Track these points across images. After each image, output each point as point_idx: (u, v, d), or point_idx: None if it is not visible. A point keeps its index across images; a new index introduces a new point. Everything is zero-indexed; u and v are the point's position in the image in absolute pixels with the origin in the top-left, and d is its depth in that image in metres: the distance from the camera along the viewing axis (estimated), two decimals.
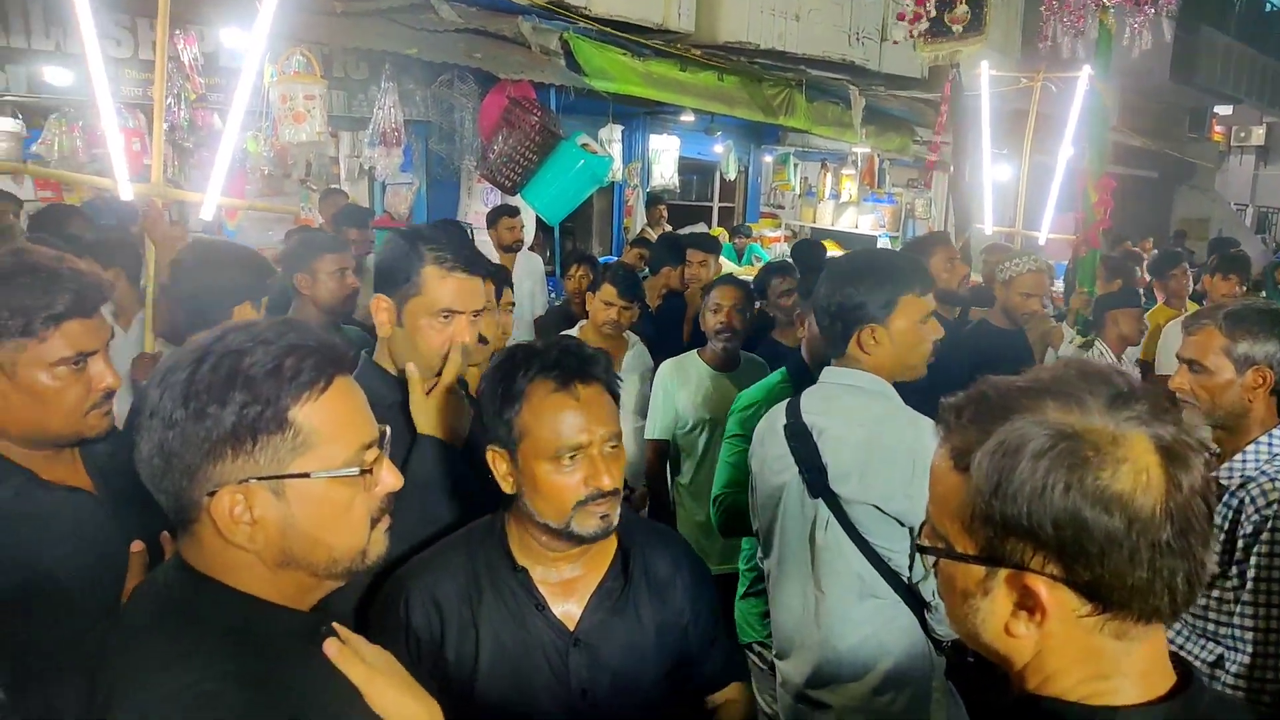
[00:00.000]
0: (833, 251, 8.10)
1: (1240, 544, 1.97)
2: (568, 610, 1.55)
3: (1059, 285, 7.16)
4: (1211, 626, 2.02)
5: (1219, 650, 2.00)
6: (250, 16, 3.34)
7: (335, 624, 1.14)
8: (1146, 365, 5.26)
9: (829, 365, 2.16)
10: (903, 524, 2.00)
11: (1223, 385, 2.05)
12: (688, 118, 9.22)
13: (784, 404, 2.21)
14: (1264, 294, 7.71)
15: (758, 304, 4.13)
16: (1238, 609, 1.96)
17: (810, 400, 2.15)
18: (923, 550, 0.96)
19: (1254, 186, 23.29)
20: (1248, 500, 1.98)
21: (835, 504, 2.05)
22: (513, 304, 3.39)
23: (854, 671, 2.06)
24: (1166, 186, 17.72)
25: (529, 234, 7.20)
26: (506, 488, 1.52)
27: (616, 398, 1.55)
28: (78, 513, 1.58)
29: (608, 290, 3.73)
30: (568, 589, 1.56)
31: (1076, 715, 0.86)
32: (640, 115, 9.23)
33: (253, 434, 0.99)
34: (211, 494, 1.00)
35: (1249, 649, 1.93)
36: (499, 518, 1.59)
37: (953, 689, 2.12)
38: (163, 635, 1.00)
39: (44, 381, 1.50)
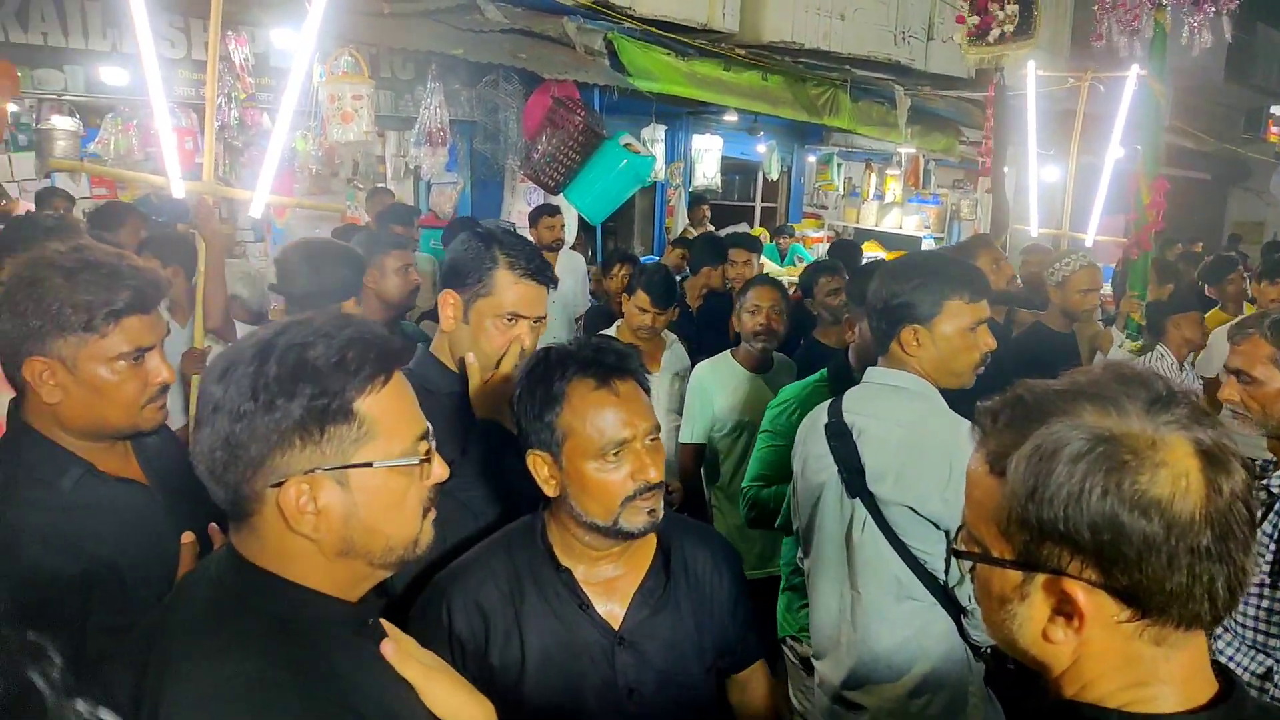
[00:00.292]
0: (875, 253, 8.03)
1: None
2: (611, 610, 1.56)
3: (1107, 289, 7.04)
4: (1260, 638, 1.98)
5: (1269, 663, 1.95)
6: (300, 17, 3.40)
7: (383, 621, 1.17)
8: (1210, 383, 5.15)
9: (873, 365, 2.15)
10: (939, 527, 1.99)
11: (1273, 394, 2.01)
12: (731, 117, 9.20)
13: (827, 403, 2.20)
14: None
15: (805, 301, 4.11)
16: None
17: (852, 400, 2.14)
18: (959, 555, 0.96)
19: None
20: None
21: (872, 504, 2.04)
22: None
23: (890, 674, 2.05)
24: (1219, 188, 17.31)
25: (571, 233, 7.23)
26: (549, 490, 1.51)
27: (648, 392, 1.56)
28: (132, 504, 1.63)
29: (641, 297, 3.71)
30: (610, 588, 1.57)
31: None
32: (683, 115, 9.23)
33: (320, 425, 1.02)
34: (276, 485, 1.02)
35: None
36: (538, 519, 1.59)
37: (992, 695, 2.10)
38: (215, 624, 1.02)
39: (103, 376, 1.55)
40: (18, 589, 1.41)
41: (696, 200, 9.50)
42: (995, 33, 5.92)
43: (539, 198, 7.25)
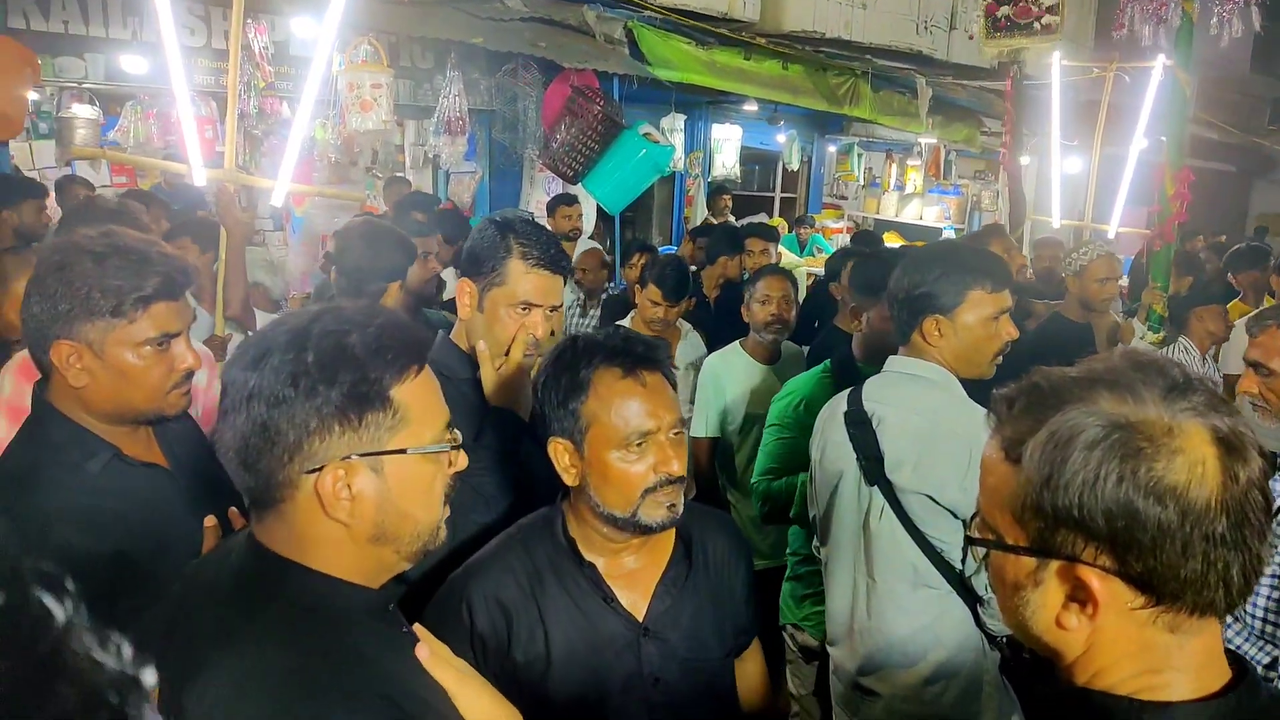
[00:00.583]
0: (894, 244, 7.99)
1: None
2: (634, 601, 1.56)
3: (1124, 281, 6.98)
4: (1270, 629, 1.97)
5: (1276, 653, 1.94)
6: (319, 6, 3.40)
7: (416, 626, 1.18)
8: (1231, 379, 5.11)
9: (894, 355, 2.15)
10: (956, 515, 1.99)
11: None
12: (751, 107, 9.16)
13: (847, 391, 2.20)
14: None
15: (831, 285, 4.08)
16: None
17: (872, 388, 2.14)
18: (972, 542, 0.95)
19: None
20: None
21: (890, 493, 2.05)
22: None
23: (905, 661, 2.06)
24: (1243, 180, 17.10)
25: (589, 223, 7.23)
26: (569, 479, 1.51)
27: (674, 386, 1.56)
28: (157, 488, 1.65)
29: (653, 290, 3.70)
30: (632, 580, 1.57)
31: (1127, 710, 0.85)
32: (703, 105, 9.20)
33: (360, 411, 1.03)
34: (311, 471, 1.03)
35: None
36: (557, 514, 1.59)
37: (1007, 684, 2.09)
38: (243, 614, 1.02)
39: (130, 361, 1.56)
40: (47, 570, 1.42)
41: (717, 190, 9.47)
42: (1035, 24, 5.86)
43: (558, 187, 7.26)
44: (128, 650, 0.40)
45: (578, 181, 6.81)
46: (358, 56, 5.76)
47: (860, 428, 2.10)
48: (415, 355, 1.09)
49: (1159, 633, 0.85)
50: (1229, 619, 1.99)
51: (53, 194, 5.07)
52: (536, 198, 7.63)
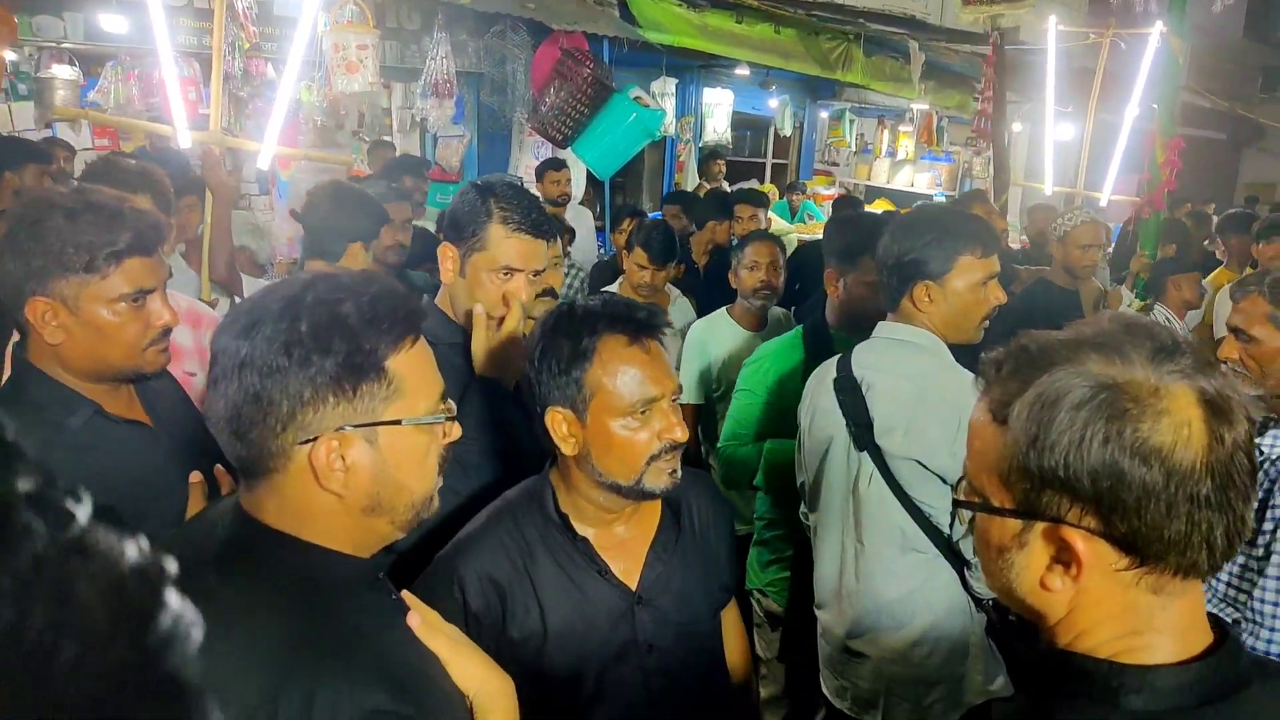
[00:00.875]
0: (884, 210, 7.96)
1: (1269, 516, 1.92)
2: (626, 569, 1.56)
3: (1110, 248, 7.00)
4: (1232, 593, 2.00)
5: (1235, 616, 1.97)
6: None
7: (406, 594, 1.18)
8: (1206, 343, 5.13)
9: (882, 320, 2.15)
10: (945, 481, 2.00)
11: (1271, 353, 1.99)
12: (742, 71, 9.08)
13: (836, 358, 2.20)
14: None
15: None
16: (1259, 581, 1.92)
17: (861, 354, 2.14)
18: (959, 504, 0.96)
19: None
20: None
21: (879, 458, 2.05)
22: (558, 258, 3.28)
23: (893, 624, 2.08)
24: (1233, 148, 17.10)
25: (579, 189, 7.17)
26: (568, 449, 1.49)
27: (668, 352, 1.55)
28: (139, 445, 1.65)
29: (639, 254, 3.66)
30: (624, 549, 1.57)
31: (1107, 673, 0.85)
32: (694, 68, 9.11)
33: (354, 382, 1.02)
34: (304, 442, 1.01)
35: (1267, 628, 1.89)
36: (545, 487, 1.57)
37: (993, 646, 2.12)
38: (235, 587, 1.00)
39: (104, 317, 1.56)
40: None
41: (711, 155, 9.39)
42: None
43: (547, 151, 7.19)
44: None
45: (567, 146, 6.74)
46: (343, 17, 5.66)
47: (850, 394, 2.10)
48: (410, 325, 1.08)
49: (1142, 594, 0.85)
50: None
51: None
52: (526, 162, 7.55)
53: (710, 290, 4.50)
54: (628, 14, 6.74)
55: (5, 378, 2.03)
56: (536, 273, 1.90)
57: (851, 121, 11.62)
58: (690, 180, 9.34)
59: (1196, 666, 0.85)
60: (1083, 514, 0.84)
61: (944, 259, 2.02)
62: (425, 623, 1.13)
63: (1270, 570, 1.90)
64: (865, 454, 2.07)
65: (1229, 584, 2.00)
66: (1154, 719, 0.83)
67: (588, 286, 5.09)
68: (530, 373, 1.51)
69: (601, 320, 1.46)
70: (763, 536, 2.84)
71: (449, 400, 1.14)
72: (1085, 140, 6.16)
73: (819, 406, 2.19)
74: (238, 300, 3.16)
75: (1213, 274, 5.35)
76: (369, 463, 1.04)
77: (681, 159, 9.59)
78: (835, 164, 12.38)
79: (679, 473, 1.51)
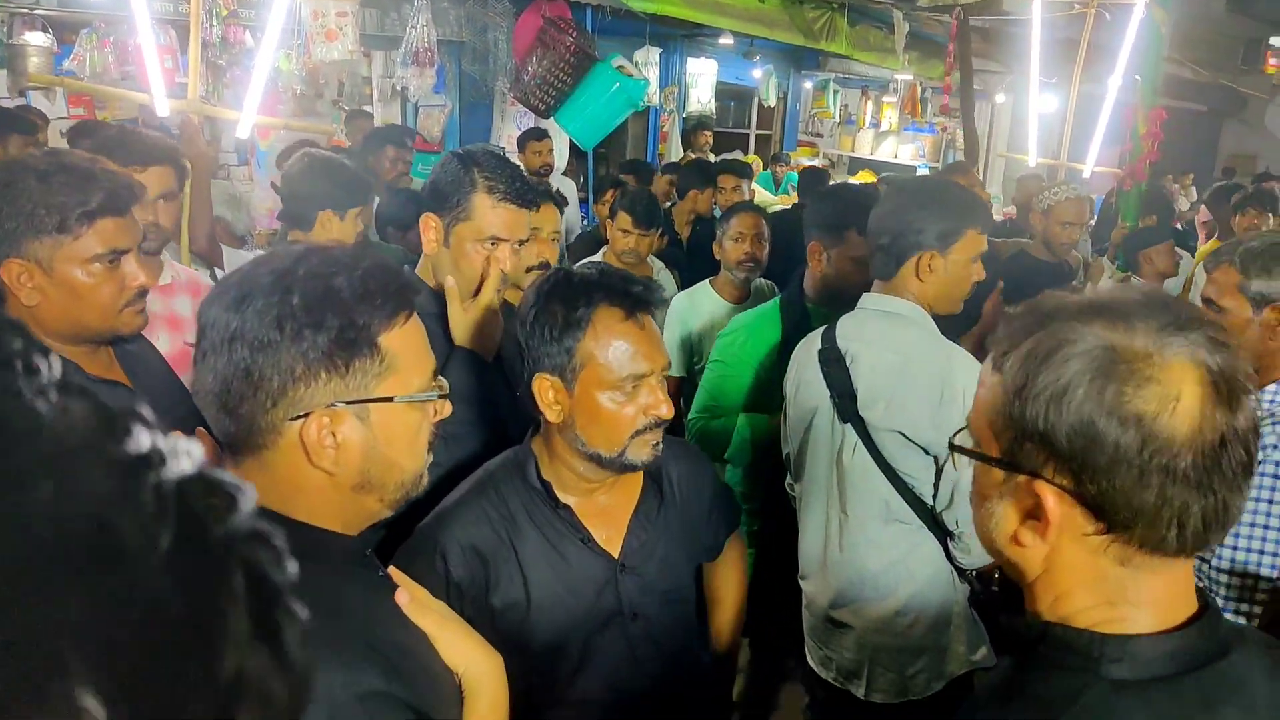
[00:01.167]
0: (865, 181, 7.95)
1: None
2: (609, 538, 1.56)
3: (1093, 221, 7.04)
4: (1196, 562, 2.02)
5: (1200, 585, 2.00)
6: None
7: (393, 570, 1.18)
8: None
9: (868, 292, 2.15)
10: (928, 452, 2.01)
11: (1240, 324, 2.00)
12: (726, 41, 9.01)
13: (821, 329, 2.21)
14: None
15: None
16: (1217, 549, 1.93)
17: (846, 326, 2.15)
18: (954, 448, 0.96)
19: None
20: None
21: (863, 430, 2.06)
22: (558, 233, 3.09)
23: (876, 594, 2.10)
24: (1214, 121, 17.13)
25: (562, 159, 7.12)
26: (553, 416, 1.49)
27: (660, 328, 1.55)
28: (118, 405, 1.63)
29: (623, 218, 3.63)
30: (606, 517, 1.57)
31: (1089, 642, 0.86)
32: (678, 38, 9.03)
33: (347, 358, 1.01)
34: (296, 418, 1.00)
35: (1221, 596, 1.93)
36: (527, 457, 1.57)
37: (976, 616, 2.15)
38: None
39: (79, 277, 1.57)
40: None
41: (697, 126, 9.32)
42: None
43: (529, 121, 7.13)
44: None
45: (550, 115, 6.69)
46: None
47: (834, 365, 2.11)
48: (404, 300, 1.07)
49: (1110, 564, 0.85)
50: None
51: None
52: (508, 132, 7.49)
53: (695, 262, 4.48)
54: None
55: None
56: (521, 242, 1.90)
57: (836, 92, 11.58)
58: (674, 151, 9.29)
59: (1176, 636, 0.85)
60: (1057, 470, 0.84)
61: (952, 230, 2.03)
62: (414, 600, 1.13)
63: (1226, 539, 1.92)
64: (849, 425, 2.08)
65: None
66: (1134, 688, 0.84)
67: (568, 258, 5.07)
68: (521, 335, 1.50)
69: (599, 291, 1.46)
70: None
71: (440, 378, 1.14)
72: (1069, 112, 6.15)
73: (804, 378, 2.20)
74: (219, 272, 3.12)
75: (1203, 247, 5.38)
76: (360, 440, 1.03)
77: (665, 129, 9.53)
78: (819, 135, 12.35)
79: (661, 446, 1.52)
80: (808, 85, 11.66)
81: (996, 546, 0.93)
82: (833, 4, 8.58)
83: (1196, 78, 13.08)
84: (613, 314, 1.45)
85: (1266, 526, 1.90)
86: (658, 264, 3.95)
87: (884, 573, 2.09)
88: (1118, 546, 0.84)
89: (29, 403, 0.35)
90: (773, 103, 10.98)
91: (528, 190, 1.90)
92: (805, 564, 2.27)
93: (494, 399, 1.81)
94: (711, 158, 8.68)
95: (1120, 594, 0.86)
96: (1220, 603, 1.90)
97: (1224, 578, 1.93)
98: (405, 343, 1.06)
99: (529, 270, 2.24)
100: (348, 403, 1.02)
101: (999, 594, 2.10)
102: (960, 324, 2.27)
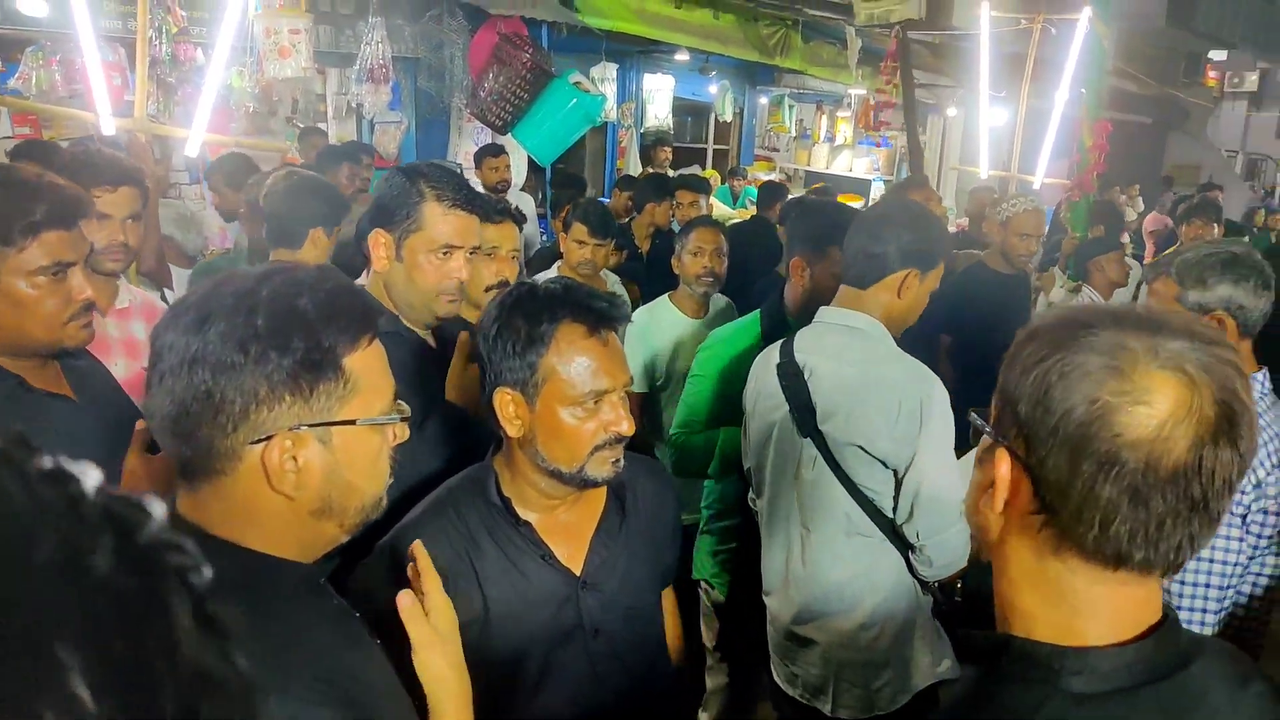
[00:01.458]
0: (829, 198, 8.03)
1: None
2: (570, 554, 1.55)
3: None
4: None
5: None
6: None
7: (417, 544, 1.22)
8: None
9: (826, 306, 2.16)
10: (887, 465, 2.02)
11: None
12: (683, 57, 9.07)
13: (780, 343, 2.21)
14: (1246, 238, 7.69)
15: (780, 230, 4.05)
16: None
17: (804, 340, 2.16)
18: (975, 415, 0.96)
19: (1245, 133, 23.10)
20: None
21: (823, 443, 2.07)
22: (517, 250, 3.22)
23: (840, 607, 2.10)
24: (1159, 132, 17.58)
25: (520, 175, 7.11)
26: (513, 431, 1.48)
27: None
28: (64, 420, 1.64)
29: (578, 229, 3.61)
30: (568, 534, 1.56)
31: (1048, 655, 0.86)
32: (634, 54, 9.08)
33: (312, 380, 0.99)
34: (256, 442, 0.98)
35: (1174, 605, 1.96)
36: (488, 473, 1.56)
37: (939, 628, 2.16)
38: None
39: (23, 290, 1.56)
40: None
41: (656, 142, 9.35)
42: None
43: (487, 137, 7.11)
44: None
45: (507, 131, 6.68)
46: (275, 1, 5.53)
47: (793, 379, 2.11)
48: (368, 322, 1.06)
49: (1059, 568, 0.86)
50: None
51: None
52: (465, 148, 7.46)
53: (655, 276, 4.48)
54: None
55: None
56: (473, 249, 1.90)
57: (791, 107, 11.70)
58: (633, 166, 9.31)
59: (1135, 647, 0.85)
60: (1016, 437, 0.86)
61: (934, 257, 2.11)
62: (412, 607, 1.14)
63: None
64: (809, 439, 2.09)
65: None
66: (1094, 700, 0.84)
67: (526, 274, 5.04)
68: (483, 349, 1.49)
69: (562, 307, 1.45)
70: (710, 527, 2.84)
71: (400, 401, 1.12)
72: (1018, 124, 6.27)
73: (763, 392, 2.20)
74: (169, 293, 3.07)
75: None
76: (322, 463, 1.02)
77: (623, 144, 9.56)
78: (776, 149, 12.46)
79: (621, 462, 1.51)
80: (763, 100, 11.77)
81: (967, 513, 0.96)
82: (787, 20, 8.69)
83: (1141, 91, 13.42)
84: (576, 330, 1.44)
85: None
86: (612, 278, 3.93)
87: (847, 586, 2.09)
88: (1053, 534, 0.85)
89: None
90: (729, 118, 11.06)
91: (476, 196, 1.91)
92: (769, 579, 2.26)
93: (478, 451, 1.80)
94: (671, 173, 8.72)
95: (1075, 603, 0.86)
96: None
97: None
98: (368, 365, 1.05)
99: (488, 290, 2.23)
100: (311, 425, 1.00)
101: (962, 605, 2.12)
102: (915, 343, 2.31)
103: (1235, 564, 1.94)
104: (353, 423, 1.03)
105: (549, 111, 6.58)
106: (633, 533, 1.62)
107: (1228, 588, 1.99)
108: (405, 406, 1.12)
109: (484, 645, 1.48)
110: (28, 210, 1.53)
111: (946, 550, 2.01)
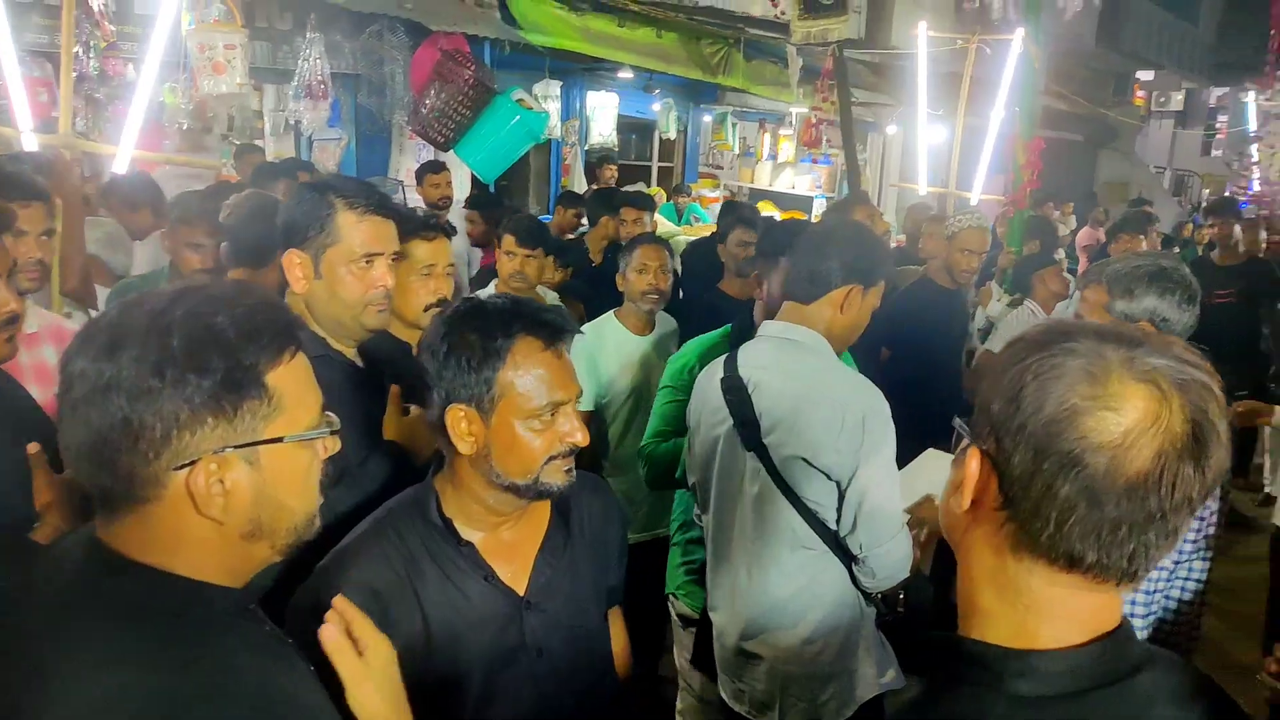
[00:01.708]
0: (767, 212, 8.11)
1: None
2: (514, 574, 1.53)
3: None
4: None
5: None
6: None
7: (338, 598, 1.18)
8: None
9: (769, 320, 2.17)
10: (830, 478, 2.02)
11: None
12: (626, 75, 9.10)
13: (723, 358, 2.21)
14: (1177, 250, 7.94)
15: (719, 248, 4.07)
16: None
17: (747, 354, 2.16)
18: (962, 419, 0.96)
19: (1172, 150, 24.00)
20: None
21: (766, 456, 2.06)
22: (453, 266, 3.18)
23: (785, 621, 2.09)
24: (1090, 150, 18.10)
25: (462, 191, 7.05)
26: (465, 448, 1.45)
27: None
28: None
29: (507, 240, 3.54)
30: (511, 553, 1.54)
31: (996, 657, 0.86)
32: (578, 72, 9.08)
33: (235, 400, 0.96)
34: (180, 468, 0.95)
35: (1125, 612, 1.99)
36: (427, 493, 1.53)
37: (883, 639, 2.16)
38: (97, 631, 0.93)
39: None
40: None
41: (602, 160, 9.34)
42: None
43: (429, 154, 7.04)
44: None
45: (449, 148, 6.62)
46: (209, 15, 5.41)
47: (736, 393, 2.11)
48: (290, 336, 1.02)
49: (1017, 568, 0.86)
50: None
51: None
52: (406, 165, 7.38)
53: (609, 289, 4.44)
54: (508, 15, 6.67)
55: None
56: (395, 255, 1.86)
57: (734, 125, 11.81)
58: (577, 183, 9.31)
59: (1083, 651, 0.85)
60: (989, 435, 0.87)
61: (876, 274, 2.15)
62: (338, 641, 1.11)
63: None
64: (753, 453, 2.08)
65: None
66: (1038, 704, 0.83)
67: (469, 290, 4.99)
68: (431, 368, 1.45)
69: (517, 321, 1.44)
70: (676, 539, 2.82)
71: (329, 413, 1.09)
72: (956, 142, 6.40)
73: (707, 407, 2.20)
74: (93, 313, 2.97)
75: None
76: (250, 485, 0.98)
77: (567, 162, 9.55)
78: (719, 167, 12.55)
79: (574, 470, 1.51)
80: (707, 118, 11.86)
81: (940, 514, 0.97)
82: (729, 39, 8.78)
83: (1072, 109, 13.80)
84: (532, 344, 1.44)
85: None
86: (550, 294, 3.89)
87: (792, 599, 2.09)
88: (1014, 530, 0.85)
89: None
90: (673, 135, 11.13)
91: (386, 201, 1.88)
92: (714, 596, 2.25)
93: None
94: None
95: (1029, 602, 0.86)
96: None
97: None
98: (293, 379, 1.02)
99: (428, 309, 2.20)
100: (237, 447, 0.97)
101: (905, 615, 2.12)
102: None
103: (1159, 566, 1.98)
104: (280, 440, 1.00)
105: (492, 129, 6.54)
106: (577, 551, 1.60)
107: (1154, 591, 2.02)
108: (334, 418, 1.09)
109: (426, 669, 1.45)
110: None
111: (889, 562, 2.01)
